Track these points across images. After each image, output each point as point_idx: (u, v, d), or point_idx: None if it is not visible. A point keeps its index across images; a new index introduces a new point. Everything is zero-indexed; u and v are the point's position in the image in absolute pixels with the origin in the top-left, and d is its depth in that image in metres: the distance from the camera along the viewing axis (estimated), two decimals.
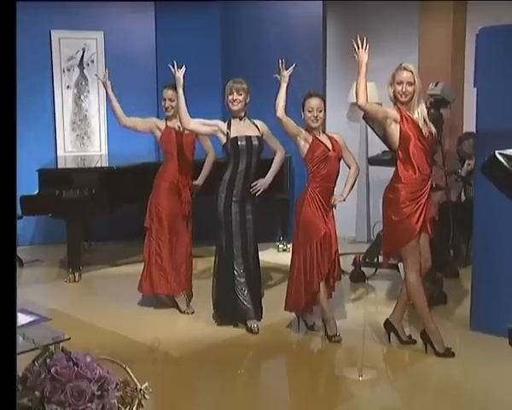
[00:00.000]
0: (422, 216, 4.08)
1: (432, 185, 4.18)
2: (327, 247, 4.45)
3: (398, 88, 4.06)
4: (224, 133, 4.59)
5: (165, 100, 4.99)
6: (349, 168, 4.57)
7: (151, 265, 5.05)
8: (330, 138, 4.49)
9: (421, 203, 4.07)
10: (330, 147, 4.44)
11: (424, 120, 4.09)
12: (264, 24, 7.32)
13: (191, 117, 5.09)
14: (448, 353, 4.19)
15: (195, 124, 4.59)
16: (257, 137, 4.65)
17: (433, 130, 4.13)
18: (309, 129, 4.45)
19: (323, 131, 4.55)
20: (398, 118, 4.06)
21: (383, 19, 7.35)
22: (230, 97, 4.60)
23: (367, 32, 7.37)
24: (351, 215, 7.53)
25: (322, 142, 4.43)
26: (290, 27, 7.21)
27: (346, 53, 7.59)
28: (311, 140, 4.42)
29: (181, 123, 4.63)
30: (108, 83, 4.98)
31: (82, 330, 4.54)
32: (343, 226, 7.42)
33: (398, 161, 4.10)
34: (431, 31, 6.94)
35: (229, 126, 4.62)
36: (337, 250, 4.52)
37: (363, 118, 6.22)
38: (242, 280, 4.65)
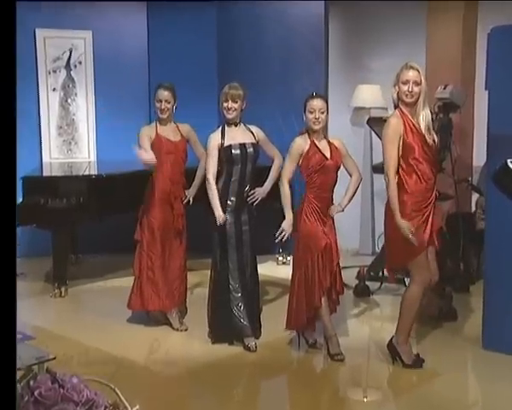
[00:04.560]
0: (429, 228, 4.09)
1: (437, 195, 4.19)
2: (328, 259, 4.45)
3: (404, 88, 4.06)
4: (220, 143, 4.60)
5: (160, 101, 4.96)
6: (350, 176, 4.58)
7: (142, 279, 5.05)
8: (330, 145, 4.48)
9: (427, 215, 4.08)
10: (328, 155, 4.43)
11: (428, 127, 4.10)
12: (264, 24, 7.34)
13: (183, 122, 5.11)
14: (417, 363, 4.24)
15: (212, 169, 4.58)
16: (252, 144, 4.66)
17: (435, 137, 4.14)
18: (309, 132, 4.46)
19: (324, 136, 4.55)
20: (402, 128, 4.06)
21: (388, 18, 7.37)
22: (225, 105, 4.61)
23: (371, 33, 7.54)
24: (354, 226, 7.53)
25: (319, 149, 4.42)
26: (290, 27, 7.23)
27: (349, 54, 7.68)
28: (307, 146, 4.43)
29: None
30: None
31: (68, 350, 4.54)
32: (346, 238, 7.46)
33: (401, 171, 4.10)
34: (439, 30, 6.95)
35: (222, 133, 4.62)
36: (338, 262, 4.52)
37: (368, 123, 6.25)
38: (239, 295, 4.64)
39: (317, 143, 4.44)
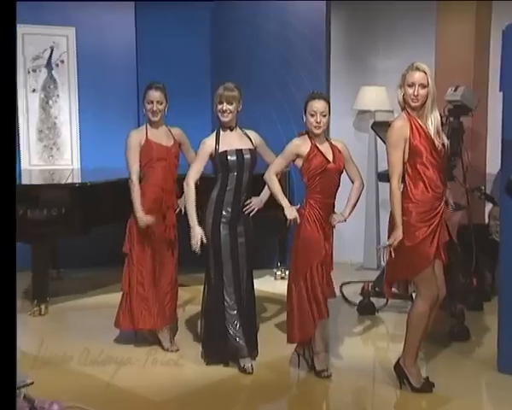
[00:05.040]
0: (437, 240, 4.11)
1: (451, 205, 4.20)
2: (326, 269, 4.51)
3: (410, 91, 4.07)
4: (214, 149, 4.61)
5: (151, 103, 4.96)
6: (352, 183, 4.61)
7: (131, 296, 5.04)
8: (333, 147, 4.50)
9: (434, 225, 4.09)
10: (331, 158, 4.46)
11: (437, 131, 4.11)
12: (261, 22, 7.36)
13: (176, 126, 5.12)
14: (426, 386, 4.25)
15: (195, 174, 4.60)
16: (249, 150, 4.67)
17: (446, 141, 4.15)
18: (310, 135, 4.48)
19: (326, 139, 4.57)
20: (408, 130, 4.08)
21: (395, 16, 7.39)
22: (220, 107, 4.62)
23: (376, 31, 7.57)
24: (358, 238, 7.54)
25: (321, 152, 4.44)
26: (289, 25, 7.25)
27: (352, 53, 7.70)
28: (308, 147, 4.45)
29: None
30: None
31: (48, 373, 4.53)
32: (350, 251, 7.50)
33: (407, 178, 4.11)
34: (450, 28, 6.97)
35: (217, 138, 4.63)
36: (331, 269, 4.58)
37: (372, 127, 6.27)
38: (234, 313, 4.64)
39: (318, 145, 4.46)
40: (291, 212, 4.47)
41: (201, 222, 4.62)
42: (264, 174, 4.60)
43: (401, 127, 4.08)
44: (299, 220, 4.45)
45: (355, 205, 4.57)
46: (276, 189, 4.52)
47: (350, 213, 4.55)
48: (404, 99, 4.12)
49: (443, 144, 4.12)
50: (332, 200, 4.51)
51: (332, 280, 4.60)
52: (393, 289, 4.48)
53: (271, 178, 4.53)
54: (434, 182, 4.09)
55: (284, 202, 4.51)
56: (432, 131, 4.08)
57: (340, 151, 4.52)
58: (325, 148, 4.48)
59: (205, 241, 4.52)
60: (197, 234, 4.53)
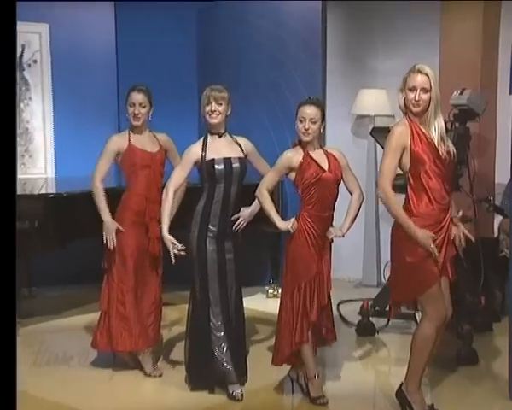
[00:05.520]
0: (443, 255, 4.09)
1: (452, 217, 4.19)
2: (318, 289, 4.48)
3: (411, 95, 4.06)
4: (200, 157, 4.60)
5: (133, 106, 4.96)
6: (351, 195, 4.60)
7: (110, 315, 5.01)
8: (328, 155, 4.51)
9: (440, 240, 4.08)
10: (326, 166, 4.46)
11: (441, 138, 4.10)
12: (251, 20, 7.38)
13: (160, 132, 5.11)
14: None
15: (176, 182, 4.59)
16: (239, 158, 4.66)
17: (452, 149, 4.14)
18: (303, 144, 4.48)
19: (321, 146, 4.57)
20: (409, 137, 4.07)
21: (396, 13, 7.41)
22: (208, 108, 4.61)
23: (376, 30, 7.59)
24: (357, 253, 7.54)
25: (314, 160, 4.44)
26: (282, 24, 7.27)
27: (350, 55, 7.72)
28: (301, 157, 4.45)
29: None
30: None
31: (19, 403, 4.46)
32: (347, 266, 7.50)
33: (409, 189, 4.10)
34: (455, 28, 6.98)
35: (204, 145, 4.62)
36: (329, 294, 4.56)
37: (371, 133, 6.28)
38: (221, 334, 4.61)
39: (311, 153, 4.46)
40: (283, 224, 4.48)
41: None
42: (255, 185, 4.59)
43: (401, 133, 4.08)
44: (292, 230, 4.44)
45: (355, 219, 4.56)
46: (268, 206, 4.52)
47: (349, 228, 4.54)
48: (405, 104, 4.13)
49: (448, 152, 4.11)
50: (329, 212, 4.50)
51: (329, 305, 4.59)
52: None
53: (263, 194, 4.52)
54: (439, 193, 4.07)
55: (277, 218, 4.51)
56: (435, 139, 4.08)
57: (336, 159, 4.52)
58: (319, 156, 4.48)
59: (180, 248, 4.49)
60: (167, 240, 4.51)
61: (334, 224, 4.55)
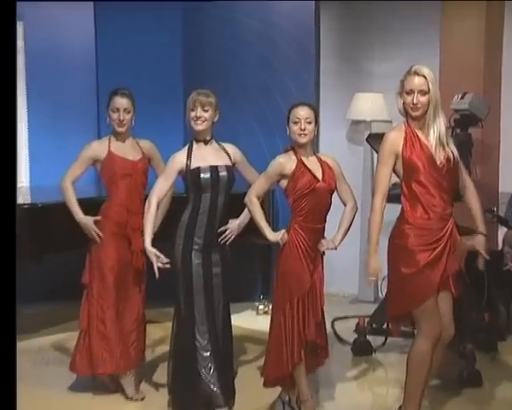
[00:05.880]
0: (442, 268, 4.08)
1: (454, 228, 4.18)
2: (312, 305, 4.48)
3: (408, 99, 4.07)
4: (185, 165, 4.59)
5: (117, 111, 4.94)
6: (344, 205, 4.60)
7: (90, 335, 4.98)
8: (322, 163, 4.51)
9: (439, 250, 4.07)
10: (320, 175, 4.46)
11: (440, 142, 4.08)
12: (241, 20, 7.41)
13: (143, 138, 5.10)
14: None
15: (159, 193, 4.57)
16: (226, 166, 4.64)
17: (455, 154, 4.12)
18: (295, 148, 4.48)
19: (314, 153, 4.57)
20: (401, 144, 4.08)
21: (393, 13, 7.42)
22: (193, 114, 4.60)
23: (372, 31, 7.59)
24: (352, 267, 7.53)
25: (308, 168, 4.44)
26: (273, 25, 7.29)
27: (345, 57, 7.73)
28: (294, 165, 4.44)
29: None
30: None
31: None
32: (342, 281, 7.49)
33: (403, 198, 4.12)
34: (457, 26, 6.97)
35: (189, 153, 4.61)
36: (323, 309, 4.55)
37: (367, 140, 6.28)
38: (207, 354, 4.57)
39: (305, 160, 4.45)
40: (273, 235, 4.47)
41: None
42: (244, 194, 4.58)
43: (393, 140, 4.11)
44: (282, 243, 4.43)
45: (348, 230, 4.57)
46: (257, 215, 4.51)
47: (342, 240, 4.55)
48: (404, 108, 4.13)
49: (448, 159, 4.08)
50: (321, 224, 4.50)
51: (323, 322, 4.59)
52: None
53: (252, 201, 4.51)
54: (435, 202, 4.07)
55: (267, 229, 4.51)
56: (433, 143, 4.07)
57: (330, 168, 4.52)
58: (313, 164, 4.48)
59: (164, 261, 4.47)
60: (150, 253, 4.48)
61: (325, 236, 4.55)
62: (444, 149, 4.10)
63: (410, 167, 4.06)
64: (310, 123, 4.43)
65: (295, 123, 4.43)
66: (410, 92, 4.06)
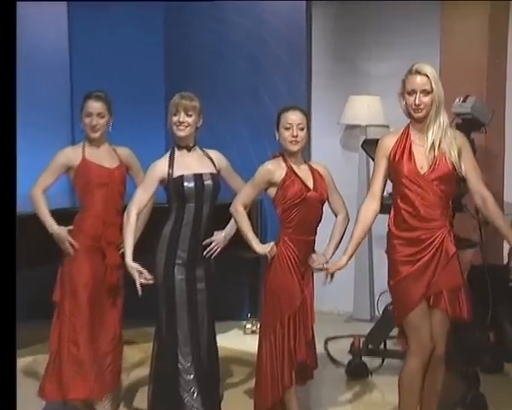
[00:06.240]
0: (427, 281, 4.08)
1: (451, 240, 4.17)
2: (303, 322, 4.47)
3: (410, 99, 4.07)
4: (167, 174, 4.58)
5: (90, 115, 4.93)
6: (335, 216, 4.59)
7: (61, 357, 4.93)
8: (313, 172, 4.50)
9: (422, 263, 4.07)
10: (311, 184, 4.45)
11: (434, 147, 4.06)
12: (228, 18, 7.40)
13: (121, 145, 5.09)
14: None
15: (138, 203, 4.55)
16: (211, 174, 4.63)
17: (453, 159, 4.07)
18: (285, 155, 4.47)
19: (305, 161, 4.57)
20: (391, 147, 4.11)
21: (390, 10, 7.41)
22: (176, 119, 4.59)
23: (368, 29, 7.59)
24: (347, 283, 7.50)
25: (299, 177, 4.44)
26: (263, 23, 7.30)
27: (339, 57, 7.72)
28: (284, 172, 4.43)
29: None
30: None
31: None
32: (336, 297, 7.46)
33: (392, 206, 4.18)
34: (458, 24, 6.99)
35: (171, 160, 4.60)
36: (313, 327, 4.54)
37: (363, 146, 6.28)
38: (190, 377, 4.55)
39: (295, 168, 4.45)
40: (261, 247, 4.47)
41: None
42: (230, 204, 4.58)
43: (385, 142, 4.17)
44: (270, 256, 4.43)
45: (339, 243, 4.56)
46: (244, 225, 4.51)
47: (333, 253, 4.54)
48: (407, 109, 4.15)
49: (442, 164, 4.06)
50: (312, 236, 4.50)
51: (313, 341, 4.58)
52: None
53: (238, 211, 4.51)
54: (421, 212, 4.06)
55: (254, 240, 4.50)
56: (428, 147, 4.07)
57: (321, 176, 4.52)
58: (304, 172, 4.48)
59: (148, 277, 4.45)
60: (132, 269, 4.46)
61: (316, 249, 4.56)
62: (435, 153, 4.08)
63: (395, 172, 4.10)
64: (302, 129, 4.43)
65: (286, 129, 4.42)
66: (412, 92, 4.06)
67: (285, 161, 4.47)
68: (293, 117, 4.43)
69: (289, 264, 4.43)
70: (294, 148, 4.43)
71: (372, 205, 4.18)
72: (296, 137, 4.41)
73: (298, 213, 4.42)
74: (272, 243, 4.48)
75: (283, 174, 4.43)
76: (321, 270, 4.42)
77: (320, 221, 4.52)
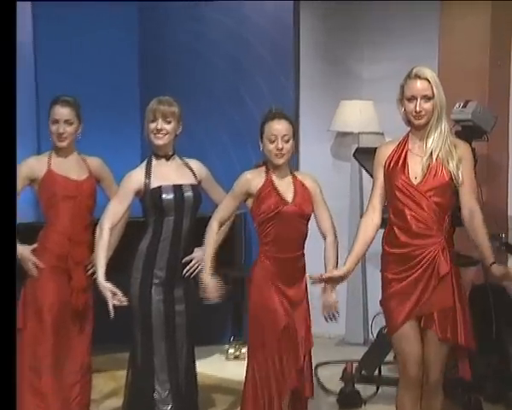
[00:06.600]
0: (414, 299, 4.09)
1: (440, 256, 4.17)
2: (291, 347, 4.43)
3: (410, 106, 4.09)
4: (143, 185, 4.57)
5: (56, 123, 4.90)
6: (323, 237, 4.54)
7: (22, 388, 4.85)
8: (296, 183, 4.47)
9: (409, 281, 4.09)
10: (290, 197, 4.42)
11: (432, 157, 4.08)
12: (208, 16, 7.42)
13: (91, 155, 5.07)
14: None
15: (112, 216, 4.54)
16: (191, 185, 4.64)
17: (452, 170, 4.09)
18: (268, 165, 4.46)
19: (291, 171, 4.53)
20: (387, 156, 4.15)
21: (385, 8, 7.45)
22: (153, 126, 4.58)
23: (360, 29, 7.61)
24: (339, 303, 7.50)
25: (276, 189, 4.42)
26: (247, 21, 7.33)
27: (329, 58, 7.73)
28: (262, 183, 4.43)
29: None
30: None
31: None
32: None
33: (387, 221, 4.22)
34: (458, 23, 7.03)
35: (148, 170, 4.60)
36: (309, 353, 4.52)
37: (355, 156, 6.29)
38: (167, 408, 4.54)
39: (275, 179, 4.44)
40: (208, 280, 4.48)
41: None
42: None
43: (382, 151, 4.23)
44: (213, 296, 4.47)
45: (337, 265, 4.48)
46: (209, 240, 4.51)
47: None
48: (406, 116, 4.16)
49: (438, 175, 4.08)
50: (293, 254, 4.45)
51: (311, 371, 4.57)
52: None
53: (211, 225, 4.52)
54: (413, 226, 4.08)
55: (209, 249, 4.49)
56: (426, 155, 4.08)
57: (306, 189, 4.48)
58: (285, 184, 4.46)
59: (122, 299, 4.42)
60: (104, 289, 4.42)
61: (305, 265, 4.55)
62: (432, 162, 4.09)
63: (388, 183, 4.14)
64: (288, 141, 4.40)
65: (271, 141, 4.39)
66: (412, 99, 4.08)
67: (267, 171, 4.46)
68: (279, 127, 4.39)
69: (268, 283, 4.42)
70: (279, 161, 4.41)
71: (372, 218, 4.22)
72: (281, 149, 4.38)
73: (274, 227, 4.41)
74: (214, 283, 4.49)
75: (260, 184, 4.43)
76: (319, 281, 4.35)
77: (304, 237, 4.48)
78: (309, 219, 4.49)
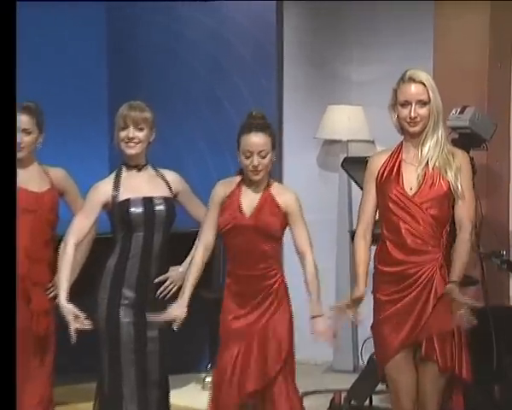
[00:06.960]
0: (410, 324, 4.10)
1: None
2: (238, 377, 4.45)
3: (404, 112, 4.11)
4: (111, 197, 4.54)
5: None
6: (299, 258, 4.48)
7: None
8: (266, 197, 4.43)
9: (407, 301, 4.10)
10: (249, 210, 4.41)
11: (427, 164, 4.11)
12: (184, 15, 7.44)
13: (54, 165, 5.04)
14: None
15: (78, 231, 4.53)
16: (164, 198, 4.62)
17: (450, 180, 4.12)
18: (243, 176, 4.46)
19: (268, 183, 4.49)
20: (380, 165, 4.18)
21: (376, 8, 7.48)
22: (124, 134, 4.55)
23: (349, 29, 7.63)
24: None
25: (237, 201, 4.43)
26: (226, 20, 7.37)
27: (315, 60, 7.75)
28: (228, 193, 4.45)
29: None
30: None
31: None
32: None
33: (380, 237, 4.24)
34: (454, 23, 7.05)
35: (117, 182, 4.58)
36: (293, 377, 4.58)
37: (343, 166, 6.28)
38: None
39: (243, 191, 4.45)
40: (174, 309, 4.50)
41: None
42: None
43: (374, 161, 4.28)
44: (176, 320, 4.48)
45: (319, 291, 4.49)
46: (193, 268, 4.54)
47: (320, 306, 4.48)
48: (399, 123, 4.16)
49: (435, 187, 4.11)
50: (252, 271, 4.42)
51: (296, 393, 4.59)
52: None
53: (198, 250, 4.55)
54: (408, 242, 4.09)
55: (187, 290, 4.52)
56: (422, 164, 4.08)
57: (275, 203, 4.43)
58: (253, 196, 4.44)
59: (85, 322, 4.38)
60: (66, 312, 4.39)
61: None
62: (428, 172, 4.10)
63: (381, 194, 4.16)
64: (264, 157, 4.36)
65: (246, 157, 4.36)
66: (406, 104, 4.10)
67: (239, 181, 4.48)
68: (255, 141, 4.35)
69: (228, 302, 4.52)
70: (255, 178, 4.40)
71: (363, 240, 4.23)
72: (257, 166, 4.35)
73: (231, 241, 4.44)
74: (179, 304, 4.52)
75: (227, 195, 4.46)
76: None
77: (269, 255, 4.43)
78: (275, 236, 4.45)
